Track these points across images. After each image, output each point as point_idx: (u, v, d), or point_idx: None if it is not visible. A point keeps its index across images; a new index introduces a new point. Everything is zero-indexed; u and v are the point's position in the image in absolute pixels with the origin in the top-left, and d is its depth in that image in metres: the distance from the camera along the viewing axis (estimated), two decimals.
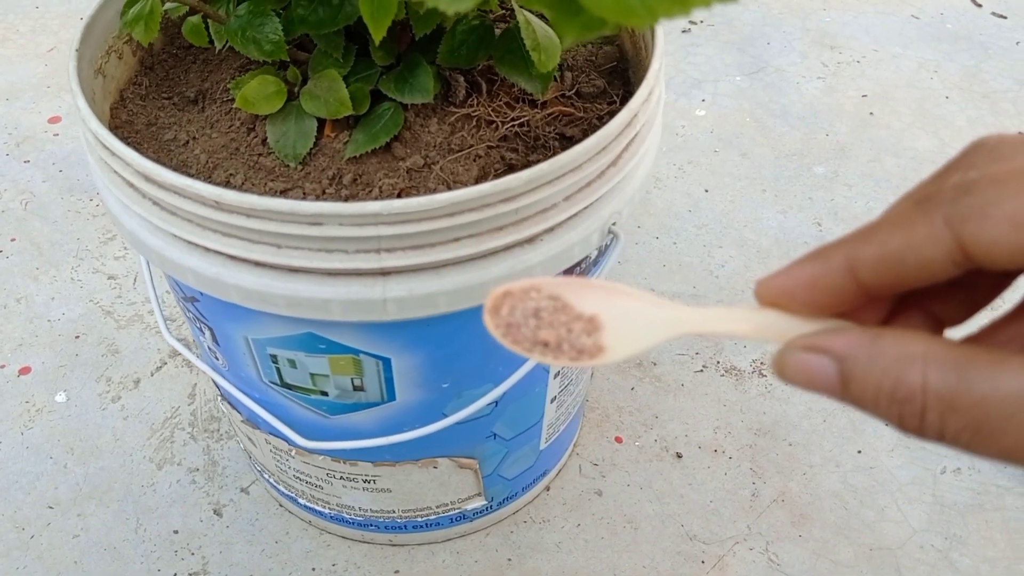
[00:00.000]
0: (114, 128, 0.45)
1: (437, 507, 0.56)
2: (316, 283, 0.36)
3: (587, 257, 0.43)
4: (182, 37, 0.45)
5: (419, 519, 0.57)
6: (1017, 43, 1.08)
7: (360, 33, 0.42)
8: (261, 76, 0.42)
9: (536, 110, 0.44)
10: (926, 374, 0.19)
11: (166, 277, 0.47)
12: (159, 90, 0.48)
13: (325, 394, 0.45)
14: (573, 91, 0.46)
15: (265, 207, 0.34)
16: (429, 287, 0.36)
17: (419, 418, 0.46)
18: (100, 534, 0.62)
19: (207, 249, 0.37)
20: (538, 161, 0.35)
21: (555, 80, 0.46)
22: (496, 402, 0.48)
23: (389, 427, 0.47)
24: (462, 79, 0.44)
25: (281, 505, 0.63)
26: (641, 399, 0.69)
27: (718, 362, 0.72)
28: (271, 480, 0.60)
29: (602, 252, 0.44)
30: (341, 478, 0.53)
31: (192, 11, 0.43)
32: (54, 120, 0.97)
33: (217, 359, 0.48)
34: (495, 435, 0.52)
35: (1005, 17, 1.13)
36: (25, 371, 0.72)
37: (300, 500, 0.59)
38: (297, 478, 0.55)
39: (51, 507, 0.63)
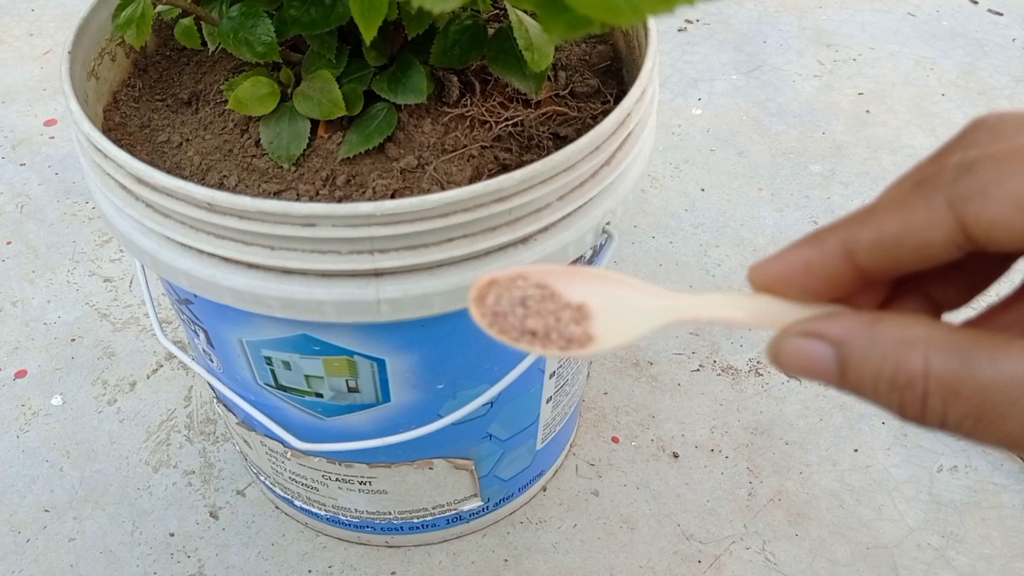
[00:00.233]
0: (107, 130, 0.45)
1: (433, 508, 0.56)
2: (310, 284, 0.36)
3: (581, 257, 0.43)
4: (175, 39, 0.45)
5: (415, 520, 0.57)
6: (1013, 40, 1.08)
7: (353, 34, 0.41)
8: (254, 77, 0.42)
9: (530, 110, 0.44)
10: (928, 359, 0.18)
11: (161, 280, 0.47)
12: (152, 92, 0.48)
13: (320, 396, 0.45)
14: (567, 90, 0.46)
15: (258, 209, 0.34)
16: (423, 288, 0.36)
17: (414, 419, 0.46)
18: (96, 537, 0.62)
19: (200, 251, 0.37)
20: (532, 161, 0.35)
21: (549, 80, 0.46)
22: (491, 403, 0.48)
23: (384, 428, 0.47)
24: (455, 79, 0.44)
25: (277, 507, 0.63)
26: (637, 399, 0.69)
27: (714, 361, 0.72)
28: (267, 482, 0.59)
29: (596, 252, 0.44)
30: (337, 480, 0.53)
31: (184, 13, 0.43)
32: (50, 123, 0.97)
33: (212, 361, 0.48)
34: (491, 436, 0.52)
35: (1001, 14, 1.13)
36: (21, 374, 0.72)
37: (296, 502, 0.59)
38: (293, 480, 0.55)
39: (47, 510, 0.63)
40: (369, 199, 0.40)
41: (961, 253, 0.19)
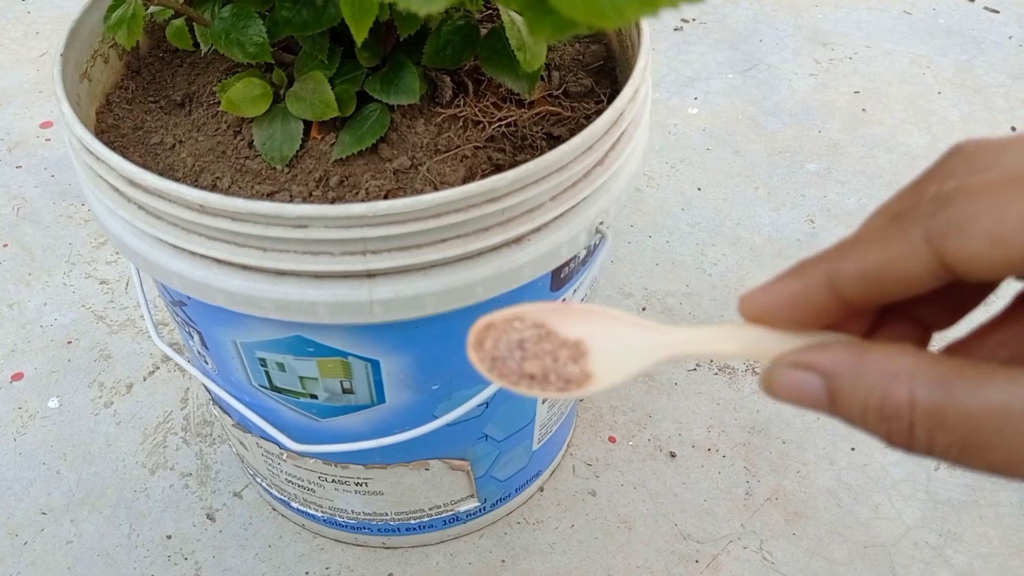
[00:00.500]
0: (100, 132, 0.45)
1: (430, 509, 0.56)
2: (302, 286, 0.36)
3: (575, 257, 0.43)
4: (168, 40, 0.45)
5: (412, 521, 0.57)
6: (1010, 37, 1.08)
7: (345, 35, 0.41)
8: (246, 79, 0.42)
9: (523, 110, 0.44)
10: (913, 390, 0.19)
11: (155, 282, 0.47)
12: (146, 94, 0.48)
13: (315, 397, 0.45)
14: (560, 90, 0.46)
15: (250, 210, 0.34)
16: (416, 288, 0.36)
17: (409, 420, 0.46)
18: (93, 540, 0.62)
19: (193, 253, 0.37)
20: (525, 161, 0.35)
21: (542, 79, 0.46)
22: (487, 403, 0.48)
23: (379, 429, 0.47)
24: (448, 79, 0.44)
25: (274, 509, 0.63)
26: (634, 398, 0.69)
27: (711, 361, 0.72)
28: (264, 484, 0.59)
29: (590, 252, 0.44)
30: (333, 481, 0.53)
31: (176, 14, 0.43)
32: (46, 125, 0.97)
33: (207, 363, 0.48)
34: (487, 436, 0.52)
35: (997, 12, 1.13)
36: (18, 377, 0.72)
37: (293, 504, 0.59)
38: (289, 482, 0.55)
39: (44, 513, 0.63)
40: (362, 200, 0.40)
41: (941, 283, 0.19)
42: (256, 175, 0.42)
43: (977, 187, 0.18)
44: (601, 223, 0.40)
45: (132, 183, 0.36)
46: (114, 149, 0.43)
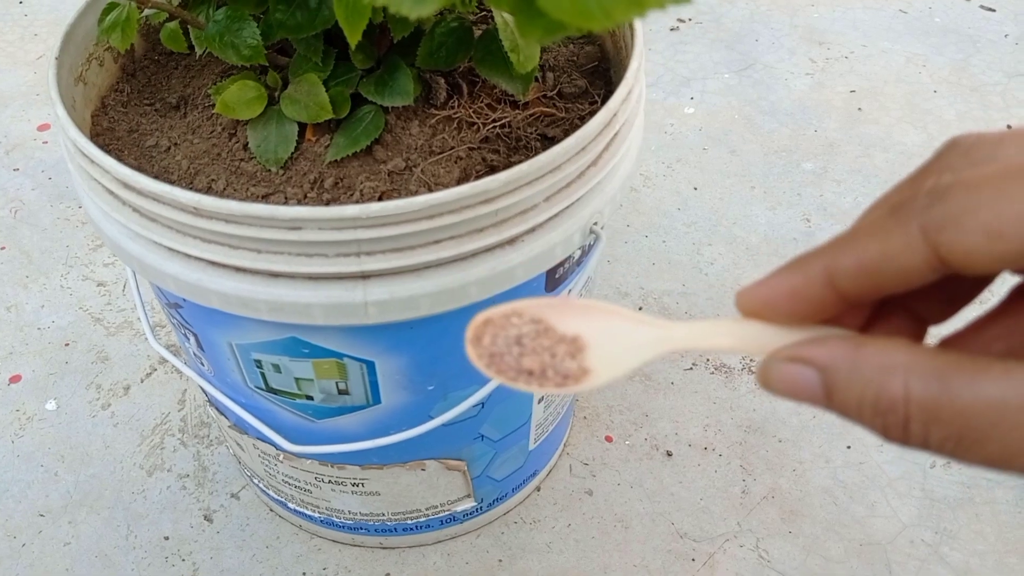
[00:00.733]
0: (95, 135, 0.45)
1: (427, 509, 0.57)
2: (297, 287, 0.36)
3: (570, 257, 0.43)
4: (163, 43, 0.45)
5: (409, 521, 0.57)
6: (1006, 36, 1.09)
7: (339, 37, 0.41)
8: (241, 81, 0.42)
9: (518, 111, 0.44)
10: (908, 384, 0.19)
11: (151, 284, 0.47)
12: (141, 97, 0.48)
13: (310, 398, 0.45)
14: (555, 91, 0.46)
15: (244, 212, 0.34)
16: (410, 290, 0.36)
17: (405, 420, 0.46)
18: (91, 541, 0.62)
19: (188, 255, 0.37)
20: (519, 162, 0.35)
21: (536, 81, 0.46)
22: (482, 403, 0.48)
23: (375, 430, 0.47)
24: (443, 81, 0.44)
25: (271, 510, 0.63)
26: (631, 398, 0.69)
27: (708, 360, 0.72)
28: (261, 485, 0.59)
29: (585, 252, 0.44)
30: (329, 482, 0.53)
31: (171, 17, 0.43)
32: (43, 128, 0.97)
33: (203, 365, 0.48)
34: (483, 436, 0.52)
35: (993, 10, 1.13)
36: (15, 379, 0.72)
37: (290, 504, 0.59)
38: (286, 483, 0.55)
39: (42, 515, 0.63)
40: (357, 201, 0.40)
41: (938, 276, 0.19)
42: (251, 177, 0.42)
43: (974, 181, 0.18)
44: (595, 224, 0.40)
45: (127, 186, 0.36)
46: (109, 152, 0.43)
